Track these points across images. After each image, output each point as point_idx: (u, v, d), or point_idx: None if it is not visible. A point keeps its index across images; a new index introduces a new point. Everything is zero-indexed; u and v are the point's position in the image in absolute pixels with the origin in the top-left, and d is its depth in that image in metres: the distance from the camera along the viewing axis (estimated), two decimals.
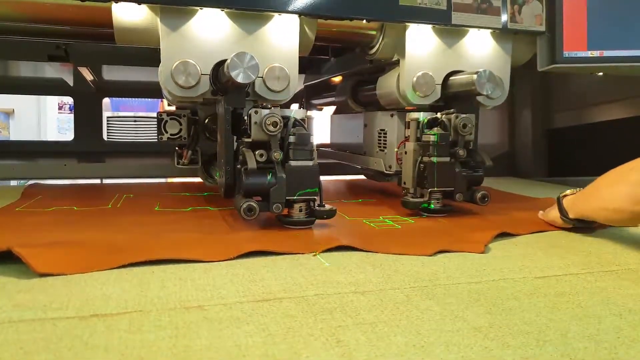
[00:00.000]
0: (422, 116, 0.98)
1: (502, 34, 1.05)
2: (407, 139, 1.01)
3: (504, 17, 1.02)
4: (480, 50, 1.06)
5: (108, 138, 3.06)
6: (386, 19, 0.99)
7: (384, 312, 0.51)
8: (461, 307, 0.52)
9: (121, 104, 4.39)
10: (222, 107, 0.88)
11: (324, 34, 1.02)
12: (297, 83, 0.96)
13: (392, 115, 1.10)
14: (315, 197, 0.85)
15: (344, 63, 1.41)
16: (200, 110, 1.09)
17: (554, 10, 1.02)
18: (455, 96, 1.03)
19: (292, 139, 0.83)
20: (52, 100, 4.69)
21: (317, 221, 0.87)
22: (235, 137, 0.89)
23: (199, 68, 0.88)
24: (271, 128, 0.81)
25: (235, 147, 0.89)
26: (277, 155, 0.82)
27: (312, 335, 0.45)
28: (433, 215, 0.98)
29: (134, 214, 0.97)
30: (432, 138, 0.94)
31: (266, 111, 0.82)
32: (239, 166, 0.85)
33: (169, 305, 0.50)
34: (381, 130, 1.16)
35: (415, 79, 1.02)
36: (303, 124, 0.85)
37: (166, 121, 1.08)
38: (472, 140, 0.98)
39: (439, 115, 0.99)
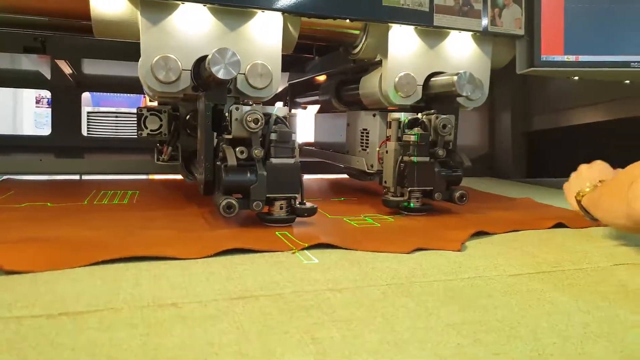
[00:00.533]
0: (403, 116, 0.99)
1: (482, 36, 1.07)
2: (388, 138, 1.02)
3: (485, 20, 1.03)
4: (461, 52, 1.07)
5: (88, 133, 3.02)
6: (369, 19, 0.99)
7: (360, 309, 0.51)
8: (436, 305, 0.53)
9: (102, 99, 4.33)
10: (202, 103, 0.87)
11: (308, 32, 1.03)
12: (280, 81, 0.96)
13: (374, 115, 1.11)
14: (296, 195, 0.85)
15: (328, 62, 1.42)
16: (181, 107, 1.08)
17: (532, 14, 1.04)
18: (435, 97, 1.04)
19: (273, 136, 0.83)
20: (29, 94, 4.60)
21: (298, 219, 0.86)
22: (215, 134, 0.88)
23: (179, 63, 0.88)
24: (252, 125, 0.80)
25: (215, 144, 0.88)
26: (258, 152, 0.81)
27: (287, 333, 0.45)
28: (413, 214, 0.99)
29: (110, 211, 0.96)
30: (413, 138, 0.95)
31: (247, 108, 0.81)
32: (218, 163, 0.84)
33: (142, 303, 0.50)
34: (364, 129, 1.16)
35: (397, 79, 1.03)
36: (285, 122, 0.85)
37: (146, 117, 1.07)
38: (451, 141, 1.00)
39: (419, 115, 1.00)
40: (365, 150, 1.15)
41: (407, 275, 0.62)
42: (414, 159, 0.95)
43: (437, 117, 0.96)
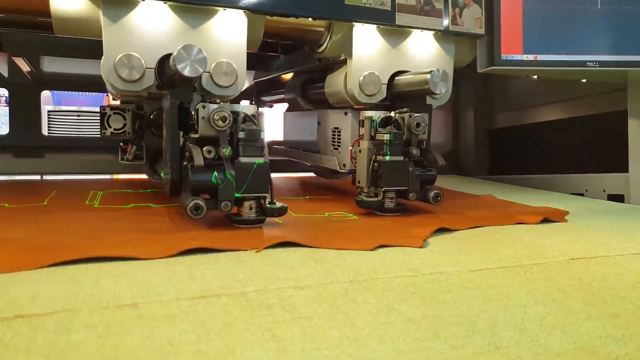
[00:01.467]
0: (376, 115, 0.98)
1: (444, 35, 1.09)
2: (361, 137, 1.01)
3: (446, 20, 1.05)
4: (424, 51, 1.09)
5: (49, 133, 2.93)
6: (332, 17, 1.00)
7: (322, 306, 0.51)
8: (397, 300, 0.54)
9: (63, 97, 4.21)
10: (168, 101, 0.85)
11: (273, 30, 1.02)
12: (245, 79, 0.95)
13: (345, 114, 1.10)
14: (266, 195, 0.83)
15: (293, 60, 1.42)
16: (145, 105, 1.07)
17: (492, 14, 1.07)
18: (401, 95, 1.05)
19: (242, 134, 0.81)
20: None
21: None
22: (182, 133, 0.86)
23: (143, 61, 0.86)
24: (220, 123, 0.78)
25: (182, 143, 0.85)
26: (226, 151, 0.79)
27: (248, 331, 0.44)
28: (387, 215, 0.97)
29: (71, 211, 0.94)
30: (386, 137, 0.94)
31: (214, 106, 0.79)
32: (185, 163, 0.81)
33: (102, 304, 0.49)
34: (335, 128, 1.15)
35: (361, 78, 1.03)
36: (253, 120, 0.83)
37: (109, 115, 1.05)
38: (425, 140, 0.99)
39: (392, 114, 0.99)
40: (337, 149, 1.14)
41: (370, 271, 0.63)
42: (387, 158, 0.94)
43: (410, 116, 0.95)
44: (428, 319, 0.49)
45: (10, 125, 1.64)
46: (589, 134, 1.49)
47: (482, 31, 1.08)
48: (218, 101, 0.83)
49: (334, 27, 1.04)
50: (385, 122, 0.98)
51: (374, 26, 1.03)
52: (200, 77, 0.87)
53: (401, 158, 0.95)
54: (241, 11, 0.93)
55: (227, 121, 0.79)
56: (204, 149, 0.79)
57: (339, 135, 1.13)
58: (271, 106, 1.86)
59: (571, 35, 1.10)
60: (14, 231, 0.76)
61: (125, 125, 1.06)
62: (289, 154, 1.51)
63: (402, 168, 0.95)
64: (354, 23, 1.02)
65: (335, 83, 1.12)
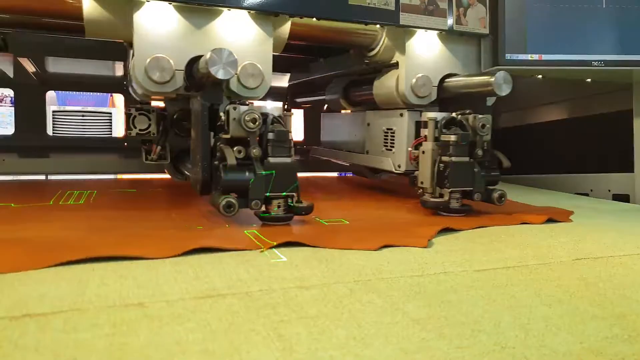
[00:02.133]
0: (439, 116, 0.99)
1: (484, 41, 1.11)
2: (422, 138, 1.00)
3: (450, 20, 1.05)
4: (469, 55, 1.12)
5: (54, 133, 2.95)
6: (335, 18, 1.00)
7: (327, 306, 0.51)
8: (402, 300, 0.54)
9: (68, 98, 4.22)
10: (198, 102, 0.86)
11: (320, 34, 1.06)
12: (271, 80, 0.97)
13: (401, 115, 1.11)
14: (294, 194, 0.84)
15: (333, 63, 1.45)
16: (169, 106, 1.09)
17: (496, 13, 1.06)
18: (451, 98, 1.07)
19: (270, 135, 0.82)
20: None
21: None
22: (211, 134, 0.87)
23: (172, 63, 0.88)
24: (250, 125, 0.80)
25: (212, 144, 0.86)
26: (256, 151, 0.81)
27: (253, 331, 0.45)
28: (453, 215, 0.96)
29: (77, 211, 0.94)
30: (453, 138, 0.94)
31: (245, 107, 0.81)
32: (216, 162, 0.83)
33: (108, 303, 0.49)
34: (388, 129, 1.17)
35: (414, 80, 1.06)
36: (281, 121, 0.85)
37: (135, 116, 1.07)
38: (488, 141, 0.99)
39: (454, 115, 0.99)
40: (391, 150, 1.15)
41: (374, 271, 0.63)
42: (454, 159, 0.94)
43: (474, 117, 0.96)
44: (433, 319, 0.49)
45: (16, 125, 1.65)
46: (594, 134, 1.49)
47: (486, 31, 1.08)
48: (247, 102, 0.86)
49: (388, 31, 1.07)
50: (449, 123, 0.98)
51: (431, 32, 1.07)
52: (225, 81, 0.87)
53: (467, 159, 0.95)
54: (266, 14, 0.94)
55: (257, 122, 0.81)
56: (235, 149, 0.81)
57: (393, 136, 1.14)
58: (304, 108, 1.90)
59: (576, 34, 1.10)
60: (21, 231, 0.76)
61: (150, 125, 1.08)
62: (328, 154, 1.54)
63: (468, 169, 0.95)
64: (412, 29, 1.05)
65: (385, 85, 1.14)
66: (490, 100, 1.11)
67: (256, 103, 0.91)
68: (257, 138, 0.82)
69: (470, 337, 0.45)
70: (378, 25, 1.05)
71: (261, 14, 0.95)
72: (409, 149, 1.06)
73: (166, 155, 1.09)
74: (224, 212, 0.78)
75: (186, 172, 1.07)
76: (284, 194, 0.83)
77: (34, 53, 1.50)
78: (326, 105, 1.64)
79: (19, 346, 0.40)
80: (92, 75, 1.77)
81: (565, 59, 1.09)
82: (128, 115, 1.07)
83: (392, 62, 1.10)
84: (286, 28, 0.99)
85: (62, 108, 3.50)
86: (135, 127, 1.06)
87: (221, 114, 0.84)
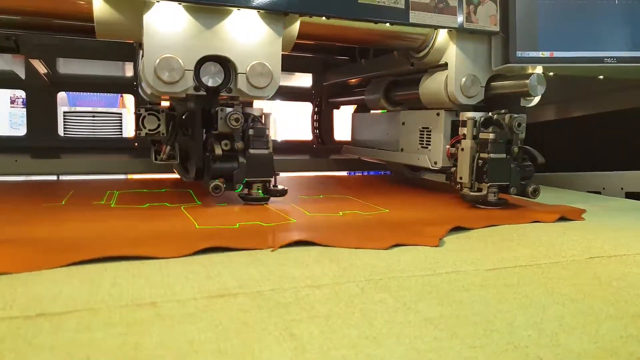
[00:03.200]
0: (477, 115, 1.05)
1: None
2: (460, 136, 1.07)
3: (460, 17, 1.04)
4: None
5: (65, 133, 2.97)
6: (345, 17, 1.00)
7: (339, 305, 0.51)
8: (414, 299, 0.53)
9: (79, 98, 4.26)
10: (193, 105, 0.99)
11: (362, 36, 1.09)
12: (280, 80, 0.99)
13: (437, 114, 1.16)
14: (270, 179, 1.02)
15: (373, 64, 1.48)
16: (177, 106, 1.10)
17: (507, 11, 1.05)
18: (495, 98, 1.11)
19: (251, 132, 1.00)
20: (4, 94, 4.51)
21: (278, 218, 0.89)
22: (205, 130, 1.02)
23: (182, 64, 0.90)
24: (234, 123, 0.97)
25: (204, 138, 1.02)
26: (240, 145, 0.99)
27: (265, 330, 0.45)
28: (489, 208, 1.03)
29: (89, 211, 0.95)
30: (491, 136, 1.01)
31: (230, 109, 0.97)
32: (208, 154, 0.99)
33: (121, 303, 0.49)
34: (424, 128, 1.22)
35: (463, 81, 1.09)
36: (260, 120, 1.02)
37: (144, 117, 1.09)
38: (523, 139, 1.05)
39: (490, 114, 1.06)
40: (426, 147, 1.21)
41: (385, 270, 0.63)
42: (492, 155, 1.01)
43: (510, 117, 1.03)
44: (445, 318, 0.49)
45: (28, 126, 1.66)
46: (606, 132, 1.47)
47: (496, 28, 1.07)
48: (234, 105, 0.99)
49: (437, 35, 1.10)
50: (487, 122, 1.05)
51: (479, 35, 1.08)
52: (235, 80, 0.96)
53: (504, 155, 1.02)
54: (277, 14, 0.95)
55: (239, 121, 0.98)
56: (222, 142, 0.98)
57: (429, 134, 1.20)
58: (338, 108, 1.95)
59: (588, 31, 1.09)
60: (34, 231, 0.77)
61: (159, 126, 1.10)
62: (360, 152, 1.58)
63: (505, 165, 1.02)
64: (457, 33, 1.08)
65: (432, 85, 1.16)
66: (529, 101, 1.16)
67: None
68: (241, 134, 0.99)
69: (483, 336, 0.45)
70: (428, 28, 1.08)
71: (271, 13, 0.95)
72: (447, 146, 1.13)
73: (175, 155, 1.11)
74: (213, 192, 0.95)
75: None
76: (262, 179, 1.02)
77: (45, 54, 1.51)
78: (356, 105, 1.72)
79: (33, 345, 0.40)
80: (103, 76, 1.78)
81: (577, 56, 1.07)
82: (138, 116, 1.09)
83: (441, 62, 1.13)
84: (295, 28, 1.00)
85: (72, 109, 3.53)
86: (145, 127, 1.09)
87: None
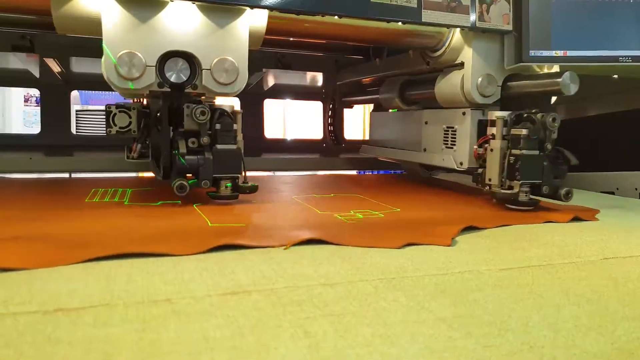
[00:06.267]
0: (507, 114, 1.02)
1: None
2: (488, 136, 1.05)
3: (473, 16, 1.04)
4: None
5: (77, 132, 2.99)
6: (357, 16, 1.00)
7: (352, 303, 0.51)
8: (427, 299, 0.53)
9: (91, 97, 4.29)
10: (161, 102, 0.96)
11: (377, 35, 1.09)
12: (247, 77, 0.97)
13: (464, 114, 1.14)
14: (239, 176, 0.99)
15: (388, 63, 1.49)
16: (151, 103, 1.06)
17: (520, 10, 1.05)
18: (512, 97, 1.10)
19: (218, 126, 0.96)
20: (18, 93, 4.56)
21: (290, 218, 0.89)
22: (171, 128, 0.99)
23: (143, 59, 0.88)
24: (200, 117, 0.94)
25: (172, 136, 0.99)
26: (206, 139, 0.96)
27: (280, 327, 0.45)
28: (521, 209, 0.99)
29: (102, 208, 0.95)
30: (524, 132, 0.98)
31: (195, 105, 0.94)
32: (174, 152, 0.96)
33: (136, 299, 0.50)
34: (449, 127, 1.20)
35: (479, 80, 1.08)
36: (230, 115, 0.98)
37: (115, 114, 1.04)
38: (555, 138, 1.02)
39: (521, 112, 1.03)
40: (452, 147, 1.18)
41: (398, 270, 0.63)
42: (525, 152, 0.98)
43: (543, 114, 0.99)
44: (459, 317, 0.49)
45: (42, 124, 1.68)
46: (620, 131, 1.46)
47: (509, 27, 1.07)
48: (202, 101, 0.96)
49: (454, 34, 1.10)
50: (519, 119, 1.02)
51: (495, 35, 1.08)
52: (200, 76, 0.94)
53: (537, 152, 0.99)
54: (246, 8, 0.94)
55: (206, 114, 0.94)
56: (189, 140, 0.96)
57: (454, 134, 1.17)
58: (351, 107, 1.95)
59: (602, 30, 1.08)
60: (50, 227, 0.77)
61: (130, 123, 1.05)
62: (378, 152, 1.58)
63: (538, 162, 0.99)
64: (474, 32, 1.07)
65: (448, 85, 1.16)
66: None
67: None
68: (209, 132, 0.96)
69: (498, 336, 0.45)
70: (444, 28, 1.08)
71: (230, 7, 0.93)
72: (474, 146, 1.09)
73: (147, 153, 1.09)
74: (177, 192, 0.93)
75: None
76: (230, 175, 0.98)
77: (59, 53, 1.52)
78: (367, 105, 1.73)
79: (52, 340, 0.41)
80: None
81: (591, 55, 1.07)
82: (108, 113, 1.04)
83: (457, 62, 1.13)
84: (262, 23, 0.98)
85: (85, 107, 3.56)
86: (116, 125, 1.04)
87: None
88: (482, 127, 1.11)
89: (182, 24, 0.92)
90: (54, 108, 1.69)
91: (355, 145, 1.90)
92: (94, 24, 0.89)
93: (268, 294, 0.53)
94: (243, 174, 0.99)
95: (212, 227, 0.81)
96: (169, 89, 0.93)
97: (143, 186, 1.27)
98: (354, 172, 1.87)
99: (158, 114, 1.07)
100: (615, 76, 1.21)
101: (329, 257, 0.67)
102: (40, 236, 0.71)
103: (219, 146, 0.96)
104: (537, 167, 0.98)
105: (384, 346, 0.42)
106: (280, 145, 2.01)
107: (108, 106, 1.07)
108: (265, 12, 0.97)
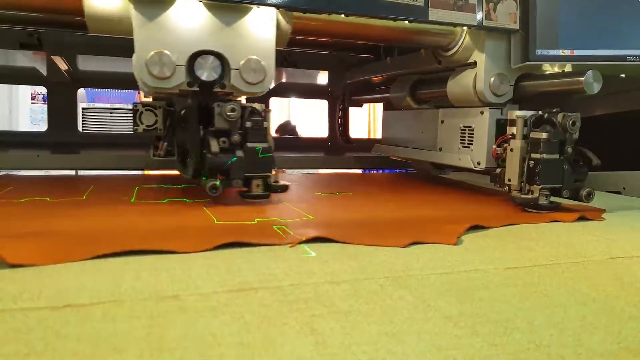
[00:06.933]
0: (527, 114, 1.01)
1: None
2: (507, 136, 1.03)
3: (480, 15, 1.03)
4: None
5: (83, 129, 3.01)
6: (364, 14, 1.00)
7: (358, 301, 0.51)
8: (433, 297, 0.53)
9: (97, 95, 4.31)
10: (189, 102, 0.95)
11: (390, 34, 1.09)
12: (274, 77, 0.98)
13: (482, 113, 1.13)
14: (270, 174, 0.98)
15: (399, 62, 1.49)
16: (176, 102, 1.08)
17: (527, 8, 1.04)
18: (524, 96, 1.10)
19: (248, 124, 0.95)
20: (25, 90, 4.58)
21: (296, 215, 0.89)
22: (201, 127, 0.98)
23: (174, 59, 0.89)
24: (231, 114, 0.93)
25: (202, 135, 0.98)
26: (237, 138, 0.95)
27: (286, 324, 0.45)
28: (540, 212, 0.97)
29: (109, 205, 0.96)
30: (544, 136, 0.96)
31: (227, 104, 0.93)
32: (204, 151, 0.95)
33: (144, 296, 0.50)
34: (466, 126, 1.18)
35: (492, 79, 1.08)
36: (260, 113, 0.97)
37: (141, 112, 1.07)
38: (577, 139, 1.00)
39: (541, 112, 1.01)
40: (469, 147, 1.17)
41: (404, 268, 0.63)
42: (545, 156, 0.96)
43: (563, 115, 0.98)
44: (465, 316, 0.49)
45: (49, 122, 1.69)
46: (627, 131, 1.45)
47: (516, 26, 1.06)
48: (232, 101, 0.96)
49: (467, 33, 1.10)
50: (538, 120, 1.00)
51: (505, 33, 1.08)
52: (229, 75, 0.94)
53: (557, 156, 0.97)
54: (272, 9, 0.94)
55: (236, 112, 0.94)
56: (220, 139, 0.95)
57: (471, 134, 1.16)
58: (361, 106, 1.96)
59: (610, 28, 1.07)
60: (58, 224, 0.78)
61: (156, 121, 1.08)
62: (391, 150, 1.59)
63: (559, 166, 0.97)
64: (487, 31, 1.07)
65: (460, 84, 1.16)
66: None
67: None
68: (240, 131, 0.95)
69: (504, 334, 0.45)
70: (458, 27, 1.08)
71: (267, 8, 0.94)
72: (493, 146, 1.08)
73: (173, 152, 1.11)
74: (210, 192, 0.92)
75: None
76: (262, 174, 0.97)
77: (66, 51, 1.53)
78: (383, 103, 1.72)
79: (61, 335, 0.41)
80: (122, 72, 1.80)
81: (599, 54, 1.06)
82: (135, 111, 1.07)
83: (470, 61, 1.13)
84: (289, 23, 0.99)
85: (91, 105, 3.58)
86: (142, 123, 1.07)
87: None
88: (500, 126, 1.10)
89: (210, 24, 0.92)
90: (61, 106, 1.70)
91: (362, 144, 1.91)
92: (126, 24, 0.90)
93: (274, 291, 0.53)
94: (273, 172, 0.99)
95: (218, 224, 0.82)
96: (197, 88, 0.94)
97: (149, 184, 1.27)
98: (358, 171, 1.88)
99: (182, 113, 1.09)
100: (623, 75, 1.20)
101: (335, 255, 0.67)
102: (48, 233, 0.71)
103: (249, 144, 0.95)
104: (558, 171, 0.97)
105: (390, 344, 0.42)
106: (284, 144, 2.02)
107: (135, 104, 1.10)
108: (292, 14, 0.98)
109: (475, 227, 0.84)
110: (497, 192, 1.29)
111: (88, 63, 1.73)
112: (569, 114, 0.98)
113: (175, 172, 1.32)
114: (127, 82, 1.84)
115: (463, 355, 0.41)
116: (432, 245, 0.74)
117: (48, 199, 1.00)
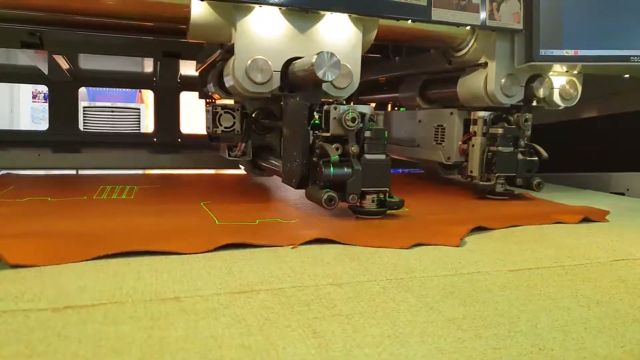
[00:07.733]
0: (487, 114, 1.13)
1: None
2: (471, 133, 1.15)
3: (483, 14, 1.03)
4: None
5: (84, 128, 3.01)
6: (366, 13, 0.99)
7: (360, 303, 0.51)
8: (436, 299, 0.53)
9: (98, 93, 4.31)
10: (296, 102, 0.90)
11: (405, 37, 1.09)
12: (358, 80, 1.00)
13: (451, 113, 1.24)
14: (386, 189, 0.89)
15: (408, 62, 1.50)
16: (249, 105, 1.12)
17: (531, 8, 1.04)
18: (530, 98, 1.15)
19: (368, 133, 0.87)
20: (26, 89, 4.59)
21: (297, 214, 0.88)
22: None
23: (271, 65, 0.92)
24: (350, 123, 0.84)
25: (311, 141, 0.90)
26: (355, 149, 0.85)
27: (288, 327, 0.45)
28: (498, 198, 1.11)
29: (110, 205, 0.96)
30: (500, 131, 1.09)
31: (344, 107, 0.85)
32: (315, 159, 0.87)
33: (145, 297, 0.50)
34: (439, 125, 1.29)
35: (503, 80, 1.12)
36: (375, 120, 0.89)
37: (221, 114, 1.11)
38: (529, 136, 1.12)
39: (499, 112, 1.13)
40: (441, 144, 1.28)
41: (407, 270, 0.62)
42: (501, 148, 1.10)
43: (518, 115, 1.11)
44: (468, 319, 0.48)
45: (50, 121, 1.69)
46: (631, 132, 1.45)
47: (520, 26, 1.06)
48: (344, 102, 0.90)
49: (479, 33, 1.11)
50: (497, 119, 1.13)
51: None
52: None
53: (511, 149, 1.11)
54: (356, 15, 0.98)
55: (356, 121, 0.85)
56: (333, 146, 0.85)
57: (443, 132, 1.27)
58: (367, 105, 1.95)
59: (613, 29, 1.07)
60: (59, 224, 0.78)
61: (234, 124, 1.12)
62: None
63: (513, 157, 1.11)
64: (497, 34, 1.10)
65: (471, 84, 1.19)
66: (569, 102, 1.20)
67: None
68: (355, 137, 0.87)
69: (507, 337, 0.45)
70: (468, 27, 1.09)
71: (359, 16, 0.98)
72: (459, 143, 1.20)
73: (249, 152, 1.13)
74: (326, 205, 0.83)
75: (267, 167, 1.13)
76: (378, 189, 0.89)
77: (68, 50, 1.53)
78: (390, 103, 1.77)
79: (62, 337, 0.41)
80: (122, 71, 1.80)
81: (603, 54, 1.06)
82: (214, 114, 1.11)
83: (480, 62, 1.15)
84: (374, 29, 1.02)
85: (92, 104, 3.58)
86: (221, 125, 1.11)
87: (315, 113, 0.88)
88: (467, 125, 1.19)
89: (305, 31, 0.96)
90: (62, 104, 1.70)
91: None
92: (226, 33, 0.94)
93: (276, 293, 0.53)
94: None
95: (219, 225, 0.81)
96: (287, 93, 0.95)
97: (151, 184, 1.27)
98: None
99: (254, 115, 1.12)
100: (627, 76, 1.20)
101: (337, 256, 0.67)
102: (49, 233, 0.71)
103: (368, 156, 0.87)
104: (512, 162, 1.11)
105: (393, 346, 0.42)
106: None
107: (215, 107, 1.12)
108: (377, 20, 1.01)
109: (479, 229, 0.84)
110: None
111: (89, 62, 1.73)
112: (523, 113, 1.11)
113: (176, 172, 1.33)
114: (128, 81, 1.85)
115: (466, 358, 0.41)
116: (435, 247, 0.73)
117: (49, 199, 1.00)
